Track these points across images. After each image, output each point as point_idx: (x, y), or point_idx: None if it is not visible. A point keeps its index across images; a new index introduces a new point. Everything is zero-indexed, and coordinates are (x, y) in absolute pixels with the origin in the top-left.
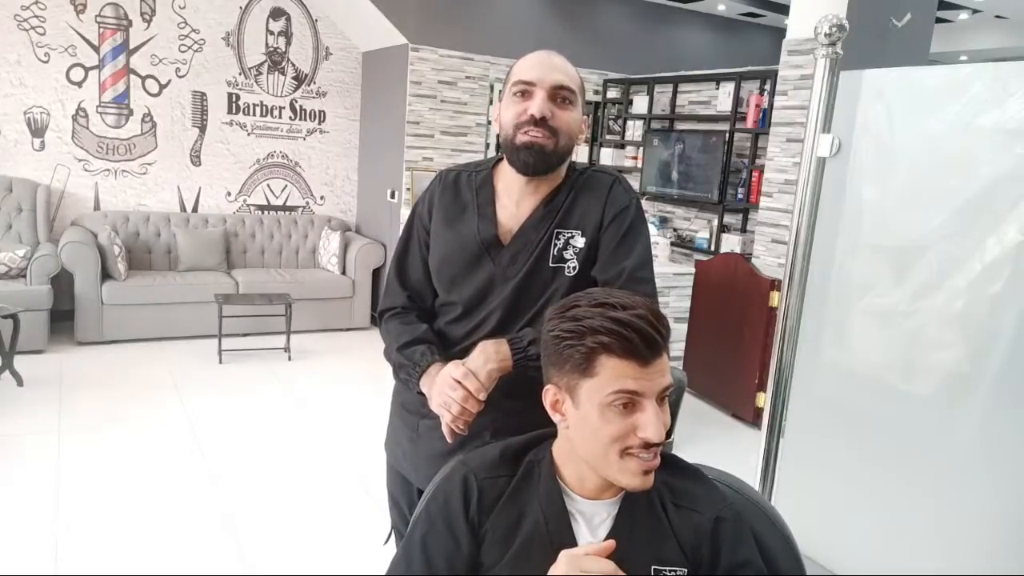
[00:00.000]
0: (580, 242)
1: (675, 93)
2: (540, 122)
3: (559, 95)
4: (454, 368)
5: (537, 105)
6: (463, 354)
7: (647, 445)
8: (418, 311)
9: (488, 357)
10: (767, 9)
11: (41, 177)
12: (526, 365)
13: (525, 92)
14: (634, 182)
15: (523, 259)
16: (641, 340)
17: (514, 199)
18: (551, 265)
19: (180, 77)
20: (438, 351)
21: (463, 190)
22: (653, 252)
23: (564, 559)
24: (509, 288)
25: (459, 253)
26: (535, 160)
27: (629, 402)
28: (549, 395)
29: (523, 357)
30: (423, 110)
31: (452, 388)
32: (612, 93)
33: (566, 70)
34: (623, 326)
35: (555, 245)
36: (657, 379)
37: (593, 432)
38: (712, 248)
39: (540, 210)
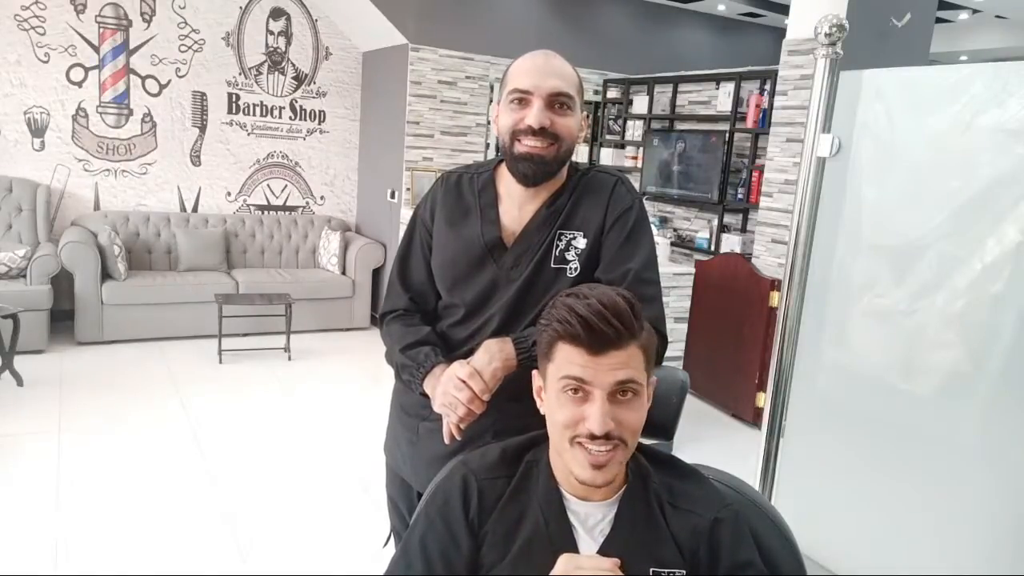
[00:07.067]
0: (582, 243)
1: (675, 93)
2: (539, 131)
3: (556, 101)
4: (459, 368)
5: (535, 116)
6: (465, 357)
7: (592, 437)
8: (420, 313)
9: (492, 356)
10: (767, 9)
11: (41, 177)
12: (530, 365)
13: (522, 100)
14: (634, 182)
15: (526, 261)
16: (585, 329)
17: (516, 202)
18: (553, 267)
19: (180, 77)
20: (441, 353)
21: (465, 192)
22: None
23: (562, 561)
24: (512, 290)
25: (463, 255)
26: (534, 171)
27: (579, 389)
28: (535, 382)
29: (527, 357)
30: (423, 110)
31: (458, 389)
32: (612, 93)
33: (563, 73)
34: (573, 314)
35: (557, 247)
36: (608, 372)
37: (551, 416)
38: (712, 248)
39: (543, 212)
